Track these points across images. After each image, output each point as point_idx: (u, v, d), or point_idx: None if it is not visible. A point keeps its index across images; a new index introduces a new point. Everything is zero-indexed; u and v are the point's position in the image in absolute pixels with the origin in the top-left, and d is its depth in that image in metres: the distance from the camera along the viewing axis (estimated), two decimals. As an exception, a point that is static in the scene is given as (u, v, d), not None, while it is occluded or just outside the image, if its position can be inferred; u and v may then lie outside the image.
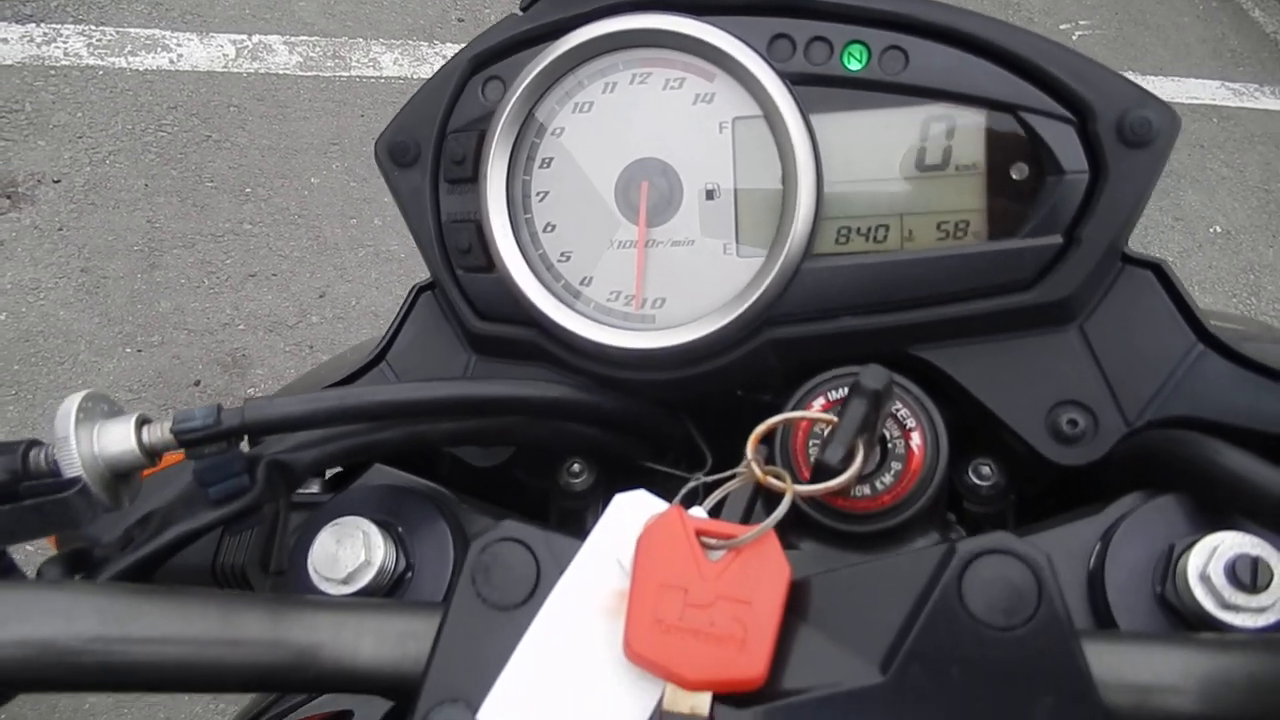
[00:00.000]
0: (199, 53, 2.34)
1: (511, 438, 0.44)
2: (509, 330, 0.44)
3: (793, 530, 0.40)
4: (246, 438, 0.38)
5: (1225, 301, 2.54)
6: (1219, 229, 2.72)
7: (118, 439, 0.36)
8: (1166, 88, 3.08)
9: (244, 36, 2.40)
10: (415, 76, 2.46)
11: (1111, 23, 3.27)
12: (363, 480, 0.43)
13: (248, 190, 2.16)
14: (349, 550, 0.38)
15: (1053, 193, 0.40)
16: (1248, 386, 0.39)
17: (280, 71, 2.36)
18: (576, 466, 0.49)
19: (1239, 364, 0.39)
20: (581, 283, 0.44)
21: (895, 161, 0.42)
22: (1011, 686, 0.28)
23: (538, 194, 0.44)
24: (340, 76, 2.40)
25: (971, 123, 0.41)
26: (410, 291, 0.48)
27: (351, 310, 2.03)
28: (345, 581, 0.38)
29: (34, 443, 0.37)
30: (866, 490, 0.38)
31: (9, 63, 2.18)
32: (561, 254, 0.44)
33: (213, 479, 0.37)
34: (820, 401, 0.40)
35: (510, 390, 0.41)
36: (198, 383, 1.87)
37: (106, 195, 2.06)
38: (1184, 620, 0.34)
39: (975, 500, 0.45)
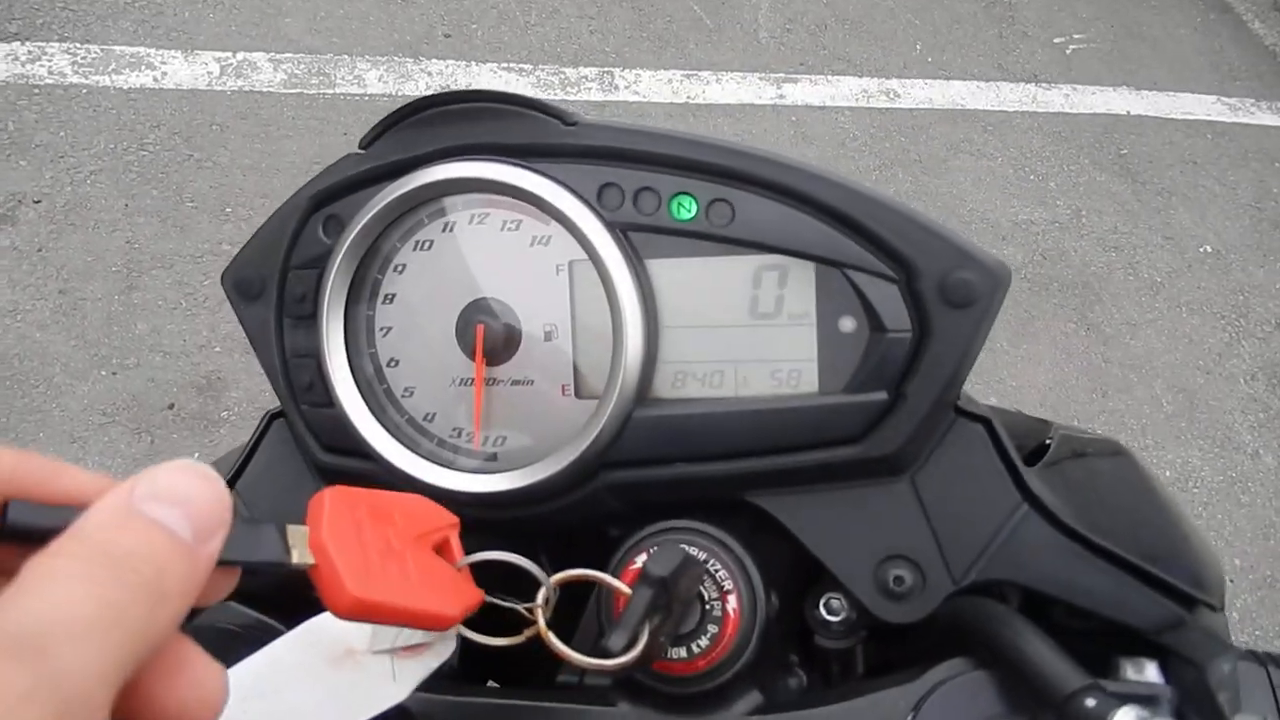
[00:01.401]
0: (183, 71, 2.35)
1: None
2: (353, 464, 0.45)
3: (613, 689, 0.40)
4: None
5: (1212, 323, 2.52)
6: (1209, 248, 2.70)
7: None
8: (1161, 103, 3.05)
9: (229, 54, 2.41)
10: (400, 93, 2.47)
11: (1107, 36, 3.25)
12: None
13: (228, 210, 2.16)
14: None
15: (878, 349, 0.40)
16: (1066, 556, 0.39)
17: (264, 89, 2.37)
18: None
19: (1060, 529, 0.39)
20: (425, 419, 0.44)
21: (729, 308, 0.42)
22: None
23: (381, 329, 0.44)
24: (325, 94, 2.41)
25: (802, 274, 0.41)
26: (263, 418, 0.48)
27: (328, 332, 2.04)
28: None
29: None
30: (683, 653, 0.38)
31: (-6, 81, 2.20)
32: (405, 389, 0.45)
33: None
34: (642, 558, 0.40)
35: None
36: (172, 405, 1.88)
37: (87, 215, 2.08)
38: None
39: (826, 635, 0.45)
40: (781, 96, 2.72)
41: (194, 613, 0.27)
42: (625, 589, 0.37)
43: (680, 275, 0.42)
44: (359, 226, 0.43)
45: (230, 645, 0.38)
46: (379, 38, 2.57)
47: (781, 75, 2.76)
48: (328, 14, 2.57)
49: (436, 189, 0.42)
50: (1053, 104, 2.95)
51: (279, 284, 0.45)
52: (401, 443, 0.43)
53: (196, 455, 1.78)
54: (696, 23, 2.87)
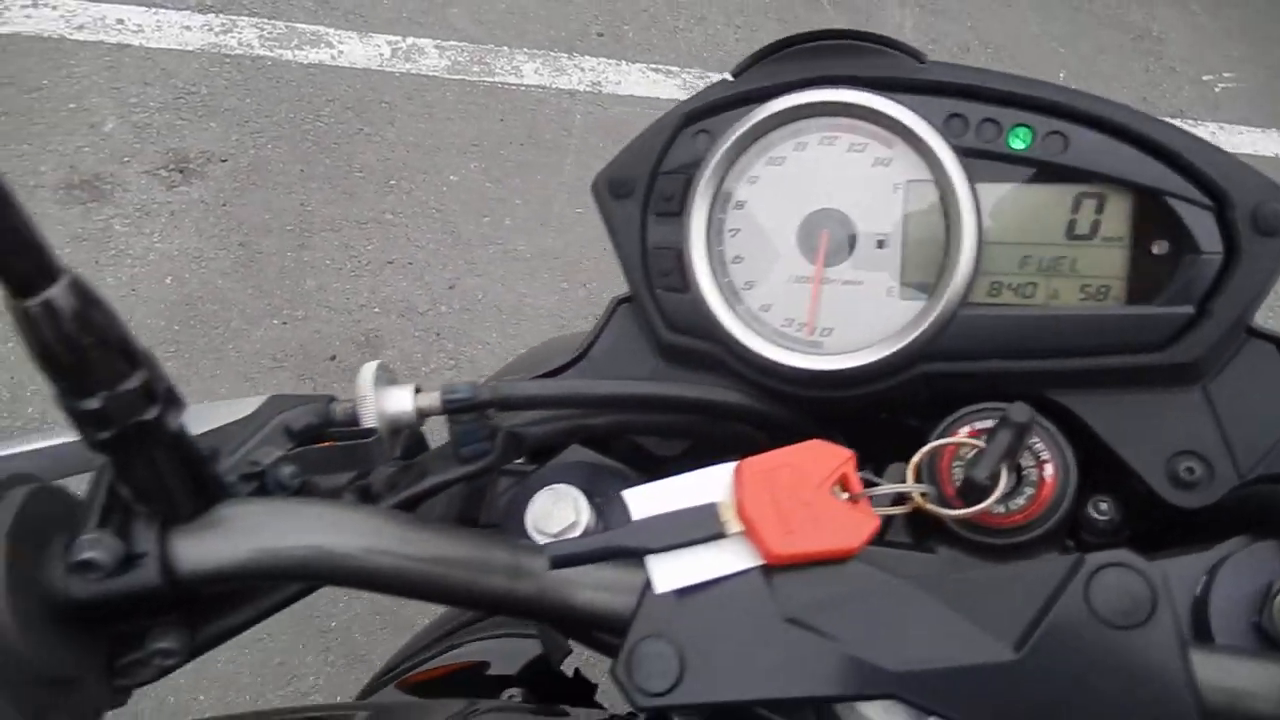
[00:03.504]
0: (358, 50, 2.51)
1: (693, 433, 0.52)
2: (695, 343, 0.52)
3: (930, 536, 0.47)
4: (492, 411, 0.47)
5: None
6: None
7: (399, 402, 0.45)
8: (1307, 148, 3.00)
9: (399, 38, 2.55)
10: (553, 86, 2.58)
11: (1257, 76, 3.20)
12: (563, 457, 0.52)
13: (392, 182, 2.30)
14: (562, 511, 0.46)
15: (1189, 269, 0.46)
16: None
17: (429, 73, 2.51)
18: None
19: None
20: (761, 308, 0.52)
21: (1047, 229, 0.48)
22: (1126, 678, 0.34)
23: (730, 230, 0.52)
24: (484, 82, 2.54)
25: (1120, 201, 0.47)
26: (610, 303, 0.56)
27: (478, 303, 2.15)
28: (556, 537, 0.46)
29: (331, 398, 0.46)
30: (1001, 509, 0.45)
31: (191, 49, 2.38)
32: (746, 282, 0.52)
33: (466, 441, 0.46)
34: (966, 429, 0.47)
35: (706, 394, 0.49)
36: (334, 357, 2.01)
37: (266, 176, 2.24)
38: (1276, 646, 0.39)
39: (1092, 532, 0.51)
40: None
41: None
42: (978, 443, 0.43)
43: (1006, 197, 0.48)
44: (729, 140, 0.50)
45: None
46: (537, 32, 2.69)
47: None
48: (491, 7, 2.70)
49: (799, 112, 0.50)
50: (1194, 141, 2.92)
51: (648, 185, 0.53)
52: (746, 325, 0.51)
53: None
54: (840, 37, 2.93)
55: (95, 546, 0.34)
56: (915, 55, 0.50)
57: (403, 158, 2.35)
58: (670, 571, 0.39)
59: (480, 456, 0.47)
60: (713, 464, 0.41)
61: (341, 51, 2.49)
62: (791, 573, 0.39)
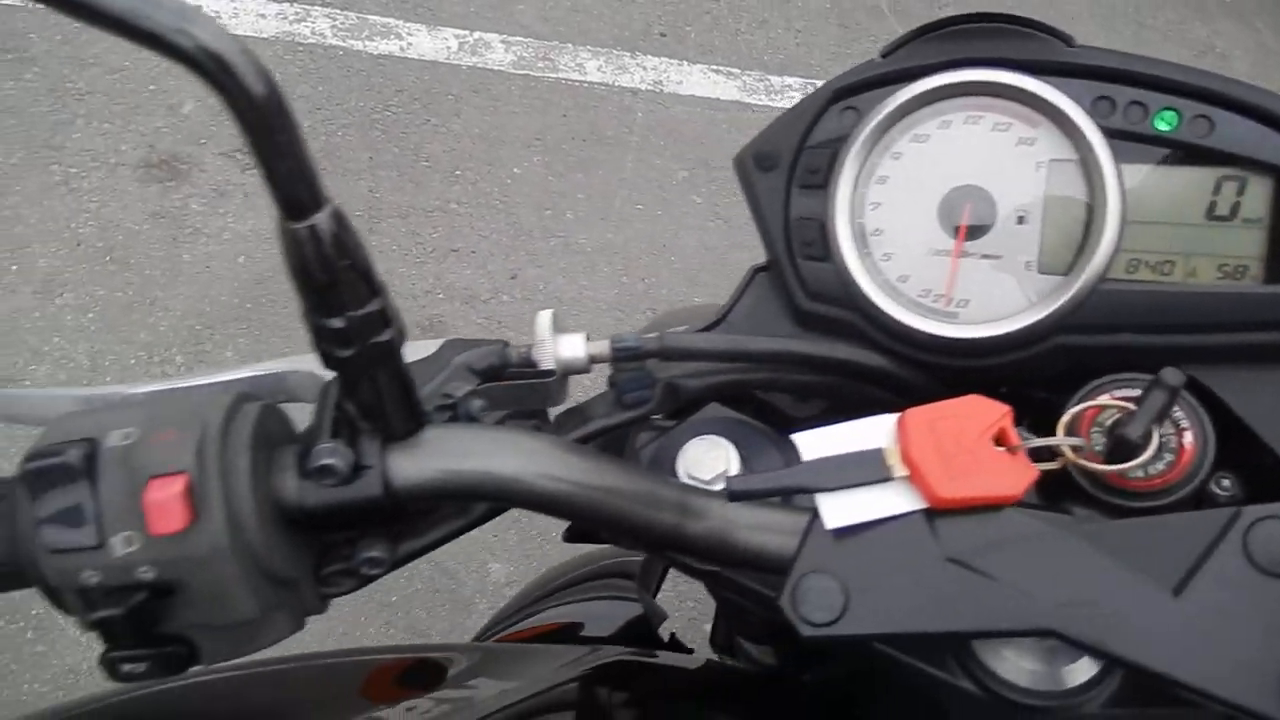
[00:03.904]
0: (426, 43, 2.56)
1: (830, 394, 0.55)
2: (832, 310, 0.55)
3: (1065, 497, 0.49)
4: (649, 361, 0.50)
5: None
6: None
7: (573, 347, 0.48)
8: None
9: (466, 32, 2.60)
10: (615, 84, 2.62)
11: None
12: (703, 413, 0.54)
13: (458, 172, 2.35)
14: (714, 459, 0.49)
15: None
16: None
17: (495, 67, 2.55)
18: None
19: None
20: (898, 279, 0.54)
21: (1187, 210, 0.50)
22: None
23: (871, 204, 0.54)
24: (548, 78, 2.58)
25: (1261, 184, 0.49)
26: (748, 272, 0.59)
27: (539, 293, 2.19)
28: (708, 483, 0.49)
29: (505, 343, 0.49)
30: (1141, 474, 0.47)
31: (265, 36, 2.44)
32: (885, 254, 0.54)
33: (629, 388, 0.49)
34: (1104, 397, 0.49)
35: (852, 355, 0.52)
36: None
37: (337, 163, 2.29)
38: None
39: (1214, 506, 0.52)
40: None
41: None
42: (1127, 405, 0.45)
43: (1149, 178, 0.50)
44: (878, 117, 0.53)
45: None
46: (600, 30, 2.73)
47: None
48: (556, 4, 2.75)
49: (947, 91, 0.52)
50: None
51: (793, 158, 0.55)
52: (885, 293, 0.53)
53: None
54: (900, 45, 2.95)
55: (332, 455, 0.37)
56: (1064, 39, 0.52)
57: (468, 149, 2.39)
58: (838, 510, 0.41)
59: (640, 404, 0.49)
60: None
61: (410, 43, 2.54)
62: (952, 517, 0.41)
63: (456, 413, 0.44)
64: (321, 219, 0.34)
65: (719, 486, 0.49)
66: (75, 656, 1.60)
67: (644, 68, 2.68)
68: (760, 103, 2.68)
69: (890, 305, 0.53)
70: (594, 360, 0.49)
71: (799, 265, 0.55)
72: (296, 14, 2.51)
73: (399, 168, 2.31)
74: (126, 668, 0.37)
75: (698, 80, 2.70)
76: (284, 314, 2.03)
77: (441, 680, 0.59)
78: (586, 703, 0.49)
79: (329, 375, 0.45)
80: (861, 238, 0.55)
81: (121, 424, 0.36)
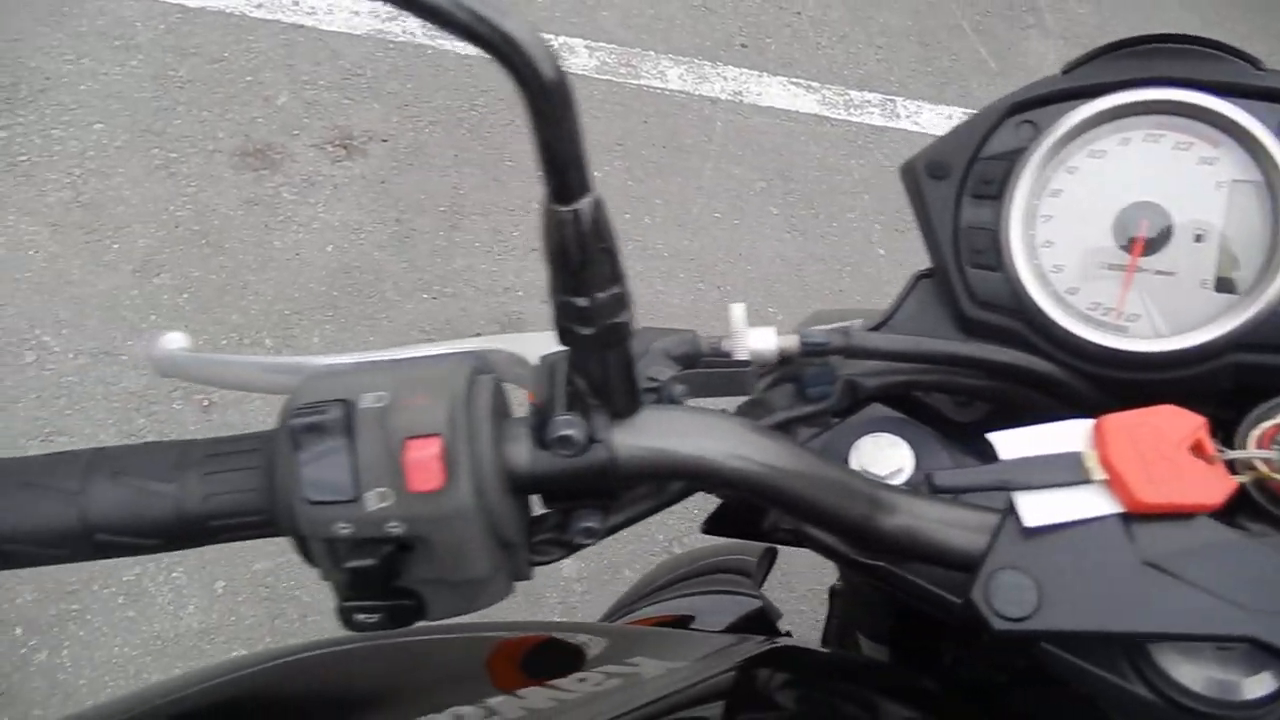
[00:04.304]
0: (512, 45, 2.60)
1: (995, 399, 0.56)
2: (998, 319, 0.56)
3: (1241, 514, 0.49)
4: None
5: None
6: None
7: (764, 340, 0.50)
8: None
9: (551, 36, 2.64)
10: (695, 93, 2.64)
11: None
12: (867, 412, 0.56)
13: (539, 174, 2.38)
14: (888, 456, 0.50)
15: None
16: None
17: (578, 71, 2.59)
18: None
19: None
20: (1068, 291, 0.55)
21: None
22: None
23: (1043, 216, 0.55)
24: (630, 84, 2.61)
25: None
26: (911, 278, 0.60)
27: (615, 295, 2.21)
28: (884, 478, 0.50)
29: (693, 332, 0.51)
30: None
31: (358, 33, 2.50)
32: (1055, 266, 0.55)
33: (814, 383, 0.50)
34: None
35: (1027, 362, 0.53)
36: (478, 334, 2.09)
37: (423, 159, 2.34)
38: None
39: None
40: (1059, 146, 2.74)
41: None
42: None
43: None
44: (1058, 131, 0.54)
45: None
46: (682, 39, 2.76)
47: (1061, 126, 2.78)
48: (639, 12, 2.78)
49: (1131, 108, 0.53)
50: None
51: (965, 168, 0.57)
52: (1055, 303, 0.54)
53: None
54: (981, 65, 2.94)
55: (571, 426, 0.39)
56: (1252, 61, 0.53)
57: (550, 150, 2.42)
58: (1037, 509, 0.42)
59: (822, 399, 0.51)
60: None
61: (497, 45, 2.58)
62: (1150, 521, 0.42)
63: (660, 395, 0.46)
64: (585, 205, 0.36)
65: (895, 482, 0.50)
66: (163, 624, 1.65)
67: (724, 78, 2.70)
68: (839, 117, 2.69)
69: (1061, 316, 0.54)
70: (782, 353, 0.50)
71: (967, 273, 0.57)
72: (388, 13, 2.57)
73: (483, 166, 2.36)
74: (360, 617, 0.39)
75: (777, 92, 2.71)
76: (369, 304, 2.08)
77: (581, 661, 0.61)
78: (762, 688, 0.50)
79: (527, 355, 0.47)
80: (1032, 249, 0.56)
81: (371, 388, 0.38)
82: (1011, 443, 0.44)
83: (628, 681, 0.51)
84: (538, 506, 0.45)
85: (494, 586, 0.41)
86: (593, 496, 0.42)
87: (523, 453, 0.40)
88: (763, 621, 0.79)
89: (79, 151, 2.15)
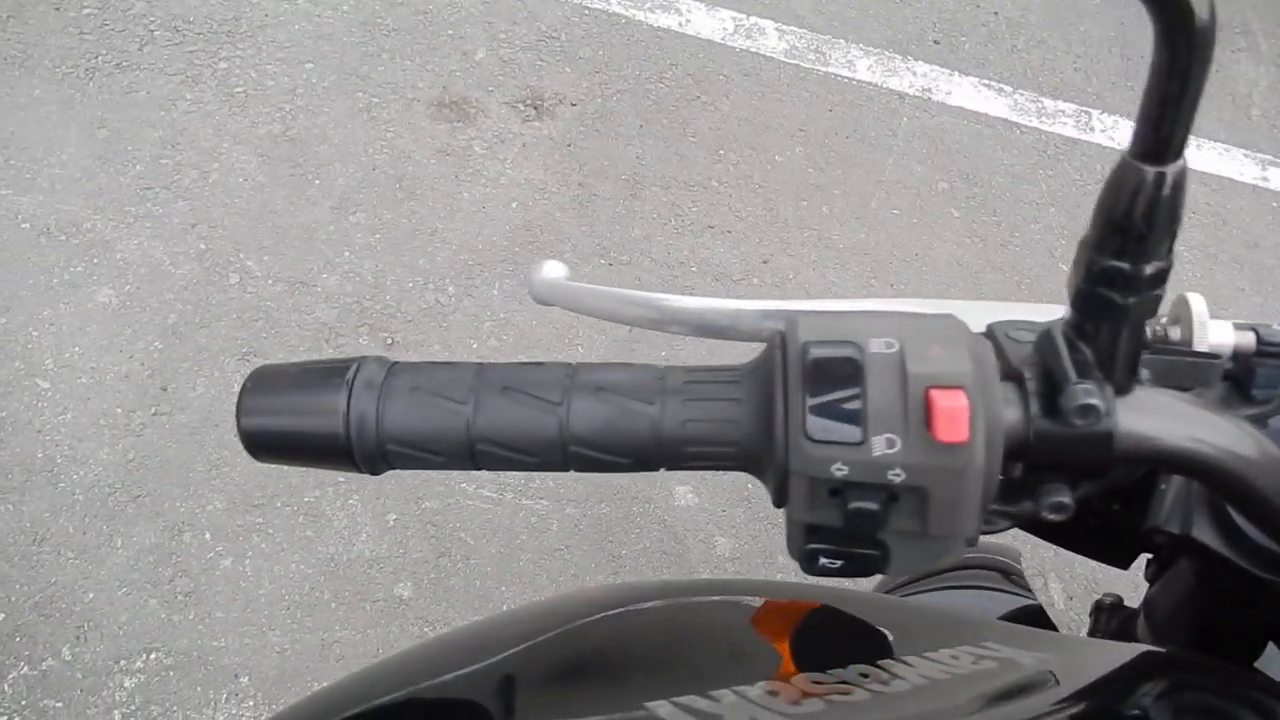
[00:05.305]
0: (703, 21, 2.59)
1: None
2: None
3: None
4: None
5: None
6: None
7: (1222, 334, 0.47)
8: None
9: (743, 15, 2.62)
10: (884, 85, 2.59)
11: None
12: None
13: (721, 152, 2.37)
14: None
15: None
16: None
17: (768, 54, 2.56)
18: None
19: None
20: None
21: None
22: None
23: None
24: (818, 70, 2.57)
25: None
26: None
27: (788, 281, 2.19)
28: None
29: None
30: None
31: (555, -3, 2.53)
32: None
33: (1265, 384, 0.48)
34: None
35: None
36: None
37: (609, 126, 2.35)
38: None
39: None
40: (1265, 179, 2.58)
41: None
42: None
43: None
44: None
45: None
46: (874, 30, 2.70)
47: (1269, 157, 2.62)
48: (832, -1, 2.73)
49: None
50: None
51: None
52: None
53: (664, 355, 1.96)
54: (1186, 84, 2.79)
55: (1092, 395, 0.37)
56: None
57: (734, 131, 2.41)
58: None
59: (1267, 401, 0.48)
60: None
61: (689, 20, 2.58)
62: None
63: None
64: (1172, 170, 0.34)
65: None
66: (337, 548, 1.72)
67: (914, 72, 2.63)
68: (1030, 124, 2.59)
69: None
70: (1238, 350, 0.48)
71: None
72: (586, -21, 2.59)
73: (666, 139, 2.36)
74: (823, 561, 0.39)
75: (967, 92, 2.63)
76: (548, 263, 2.11)
77: (882, 641, 0.58)
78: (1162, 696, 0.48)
79: (968, 319, 0.45)
80: None
81: (876, 333, 0.37)
82: None
83: (1004, 667, 0.49)
84: None
85: (957, 546, 0.40)
86: (1078, 472, 0.41)
87: (1018, 416, 0.39)
88: (1043, 624, 0.76)
89: (290, 88, 2.24)
